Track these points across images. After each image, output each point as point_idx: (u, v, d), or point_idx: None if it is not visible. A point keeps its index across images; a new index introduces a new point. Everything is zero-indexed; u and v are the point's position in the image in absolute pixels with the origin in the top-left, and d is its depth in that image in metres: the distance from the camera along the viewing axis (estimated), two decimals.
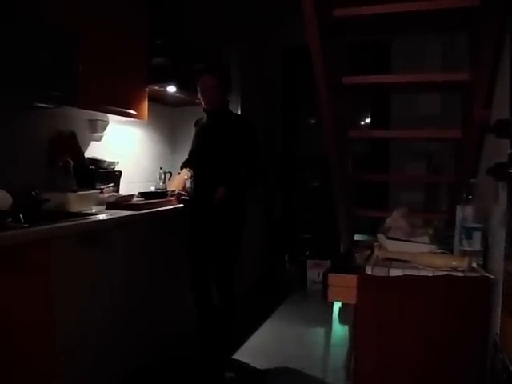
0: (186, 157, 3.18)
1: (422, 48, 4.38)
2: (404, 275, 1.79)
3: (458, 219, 1.92)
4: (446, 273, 1.75)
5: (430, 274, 1.76)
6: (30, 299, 2.03)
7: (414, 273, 1.78)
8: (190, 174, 3.16)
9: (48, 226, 2.14)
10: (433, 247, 1.98)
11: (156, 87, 3.52)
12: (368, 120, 5.17)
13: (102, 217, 2.54)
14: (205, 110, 2.97)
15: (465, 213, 1.89)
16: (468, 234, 1.86)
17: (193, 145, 3.06)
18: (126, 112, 3.19)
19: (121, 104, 3.13)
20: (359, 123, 5.17)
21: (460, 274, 1.74)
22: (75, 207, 2.66)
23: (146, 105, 3.43)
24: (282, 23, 4.74)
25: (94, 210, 2.76)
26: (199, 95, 2.92)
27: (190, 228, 3.02)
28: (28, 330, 2.02)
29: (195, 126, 3.11)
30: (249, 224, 3.06)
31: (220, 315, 2.94)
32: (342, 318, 3.92)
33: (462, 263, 1.76)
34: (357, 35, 3.27)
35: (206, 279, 3.00)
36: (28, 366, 2.02)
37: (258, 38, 4.97)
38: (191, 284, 3.00)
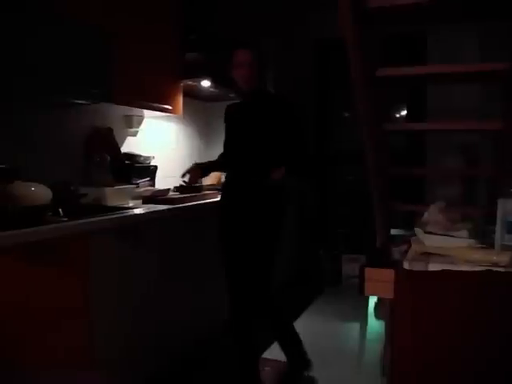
0: (221, 150, 3.16)
1: (459, 39, 4.27)
2: (443, 270, 1.75)
3: (499, 213, 1.87)
4: (486, 268, 1.71)
5: (470, 269, 1.72)
6: (69, 290, 2.08)
7: (453, 268, 1.74)
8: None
9: (86, 220, 2.18)
10: (472, 242, 1.93)
11: (190, 82, 3.54)
12: (403, 113, 5.09)
13: (138, 211, 2.57)
14: (239, 93, 2.73)
15: (507, 206, 1.84)
16: (510, 228, 1.81)
17: (227, 133, 2.74)
18: (160, 107, 3.22)
19: (156, 99, 3.16)
20: (394, 116, 5.10)
21: (501, 270, 1.70)
22: (112, 201, 2.71)
23: (180, 100, 3.45)
24: (315, 16, 4.70)
25: (130, 204, 2.81)
26: (233, 74, 2.61)
27: (220, 226, 2.73)
28: (66, 321, 2.07)
29: (226, 113, 2.80)
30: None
31: (277, 334, 2.73)
32: (378, 313, 3.88)
33: (504, 258, 1.71)
34: (392, 27, 3.21)
35: (243, 279, 2.67)
36: (66, 355, 2.07)
37: (290, 31, 4.95)
38: (228, 285, 2.70)
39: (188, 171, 2.92)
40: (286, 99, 2.70)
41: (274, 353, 3.02)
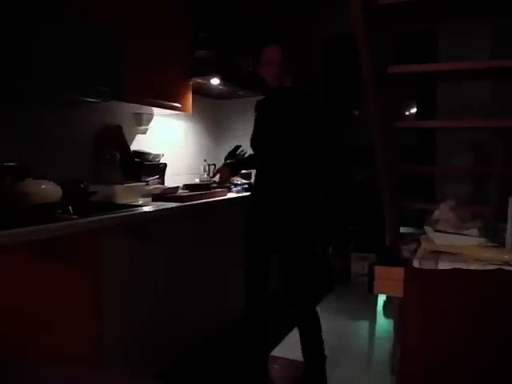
0: (230, 148, 3.16)
1: (470, 36, 4.24)
2: (453, 268, 1.74)
3: (510, 211, 1.85)
4: (497, 267, 1.70)
5: (481, 268, 1.71)
6: (78, 288, 2.09)
7: (464, 266, 1.73)
8: None
9: (96, 218, 2.19)
10: (482, 240, 1.92)
11: (200, 80, 3.54)
12: (413, 110, 5.06)
13: (147, 208, 2.58)
14: (266, 90, 2.68)
15: None
16: None
17: (255, 129, 2.67)
18: (170, 105, 3.23)
19: (165, 97, 3.16)
20: (404, 114, 5.07)
21: None
22: (122, 199, 2.72)
23: (190, 97, 3.46)
24: (325, 14, 4.69)
25: (140, 202, 2.81)
26: (262, 71, 2.58)
27: (248, 225, 2.64)
28: (75, 318, 2.09)
29: (256, 108, 2.75)
30: None
31: (302, 333, 2.58)
32: (387, 312, 3.87)
33: None
34: (403, 24, 3.19)
35: (263, 280, 2.65)
36: (76, 352, 2.08)
37: (300, 29, 4.93)
38: (246, 283, 2.65)
39: (218, 171, 2.93)
40: (314, 95, 2.66)
41: (283, 351, 3.03)
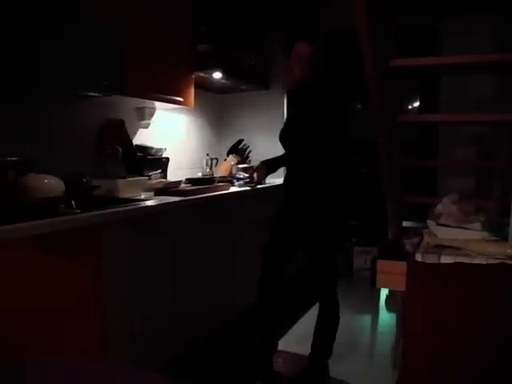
0: (233, 143, 3.15)
1: (472, 30, 4.21)
2: (455, 262, 1.74)
3: None
4: (500, 261, 1.70)
5: (484, 262, 1.71)
6: (81, 282, 2.10)
7: (466, 260, 1.73)
8: (236, 160, 3.14)
9: (99, 212, 2.19)
10: (485, 234, 1.92)
11: (202, 74, 3.54)
12: (415, 104, 5.04)
13: (150, 202, 2.58)
14: (293, 84, 2.70)
15: None
16: None
17: (285, 125, 2.76)
18: (172, 99, 3.22)
19: (167, 91, 3.16)
20: (407, 107, 5.05)
21: None
22: (124, 193, 2.72)
23: (192, 92, 3.45)
24: (326, 7, 4.66)
25: (142, 196, 2.81)
26: (291, 65, 2.60)
27: (277, 221, 2.71)
28: (78, 312, 2.09)
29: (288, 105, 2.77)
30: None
31: (321, 321, 2.70)
32: (389, 305, 3.87)
33: None
34: (406, 18, 3.18)
35: (278, 275, 2.71)
36: (78, 346, 2.09)
37: (301, 22, 4.91)
38: (260, 277, 2.69)
39: (254, 170, 2.92)
40: (341, 92, 2.69)
41: (286, 345, 3.04)
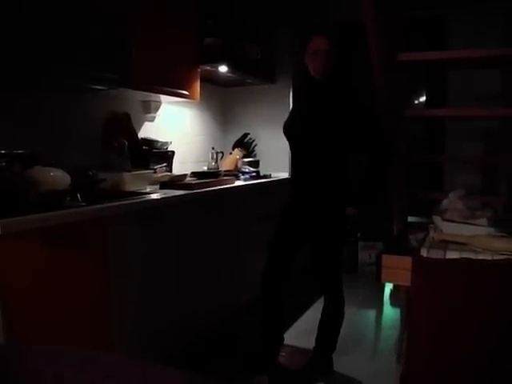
0: (238, 137, 3.13)
1: (481, 22, 4.18)
2: (461, 258, 1.74)
3: None
4: (506, 257, 1.69)
5: (489, 258, 1.71)
6: (87, 274, 2.11)
7: (472, 256, 1.73)
8: (241, 154, 3.12)
9: (104, 205, 2.20)
10: (491, 230, 1.91)
11: (208, 67, 3.52)
12: (422, 99, 5.02)
13: (155, 196, 2.59)
14: (307, 79, 2.57)
15: None
16: None
17: (291, 117, 2.67)
18: (178, 92, 3.22)
19: (173, 85, 3.15)
20: (413, 102, 5.03)
21: None
22: (130, 187, 2.72)
23: (198, 85, 3.44)
24: (333, 1, 4.64)
25: (148, 190, 2.82)
26: (306, 60, 2.50)
27: (283, 215, 2.67)
28: (85, 305, 2.10)
29: (295, 97, 2.67)
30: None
31: (326, 316, 2.70)
32: (394, 300, 3.87)
33: None
34: (413, 9, 3.15)
35: (283, 271, 2.66)
36: (85, 337, 2.10)
37: (308, 16, 4.89)
38: (264, 271, 2.65)
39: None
40: (352, 94, 2.53)
41: (291, 338, 3.04)
